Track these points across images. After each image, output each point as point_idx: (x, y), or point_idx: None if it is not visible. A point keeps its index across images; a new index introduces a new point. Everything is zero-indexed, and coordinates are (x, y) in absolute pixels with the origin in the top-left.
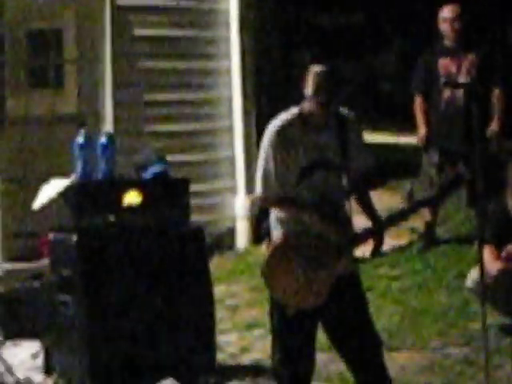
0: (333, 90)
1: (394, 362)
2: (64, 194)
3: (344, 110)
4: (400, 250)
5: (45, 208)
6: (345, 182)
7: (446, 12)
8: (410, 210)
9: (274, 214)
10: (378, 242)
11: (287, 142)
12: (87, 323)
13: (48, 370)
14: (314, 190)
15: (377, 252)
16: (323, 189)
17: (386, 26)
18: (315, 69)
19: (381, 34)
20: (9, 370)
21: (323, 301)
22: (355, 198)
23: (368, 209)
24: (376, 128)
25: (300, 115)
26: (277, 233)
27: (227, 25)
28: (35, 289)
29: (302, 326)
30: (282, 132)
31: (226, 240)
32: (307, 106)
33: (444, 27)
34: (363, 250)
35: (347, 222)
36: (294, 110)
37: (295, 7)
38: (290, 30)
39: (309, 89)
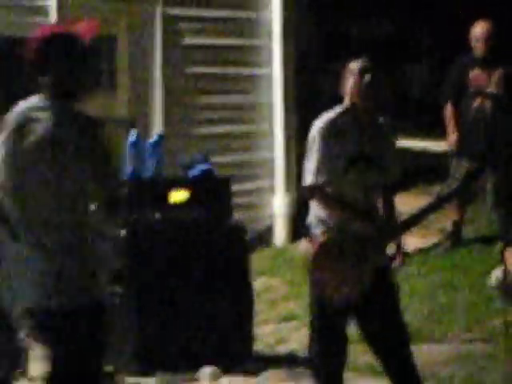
0: (377, 89)
1: (422, 353)
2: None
3: (382, 119)
4: (428, 249)
5: None
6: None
7: (479, 29)
8: (434, 207)
9: (314, 213)
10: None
11: (336, 135)
12: (136, 313)
13: None
14: (356, 183)
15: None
16: (364, 183)
17: (416, 37)
18: (355, 66)
19: (412, 45)
20: None
21: (364, 293)
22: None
23: (390, 210)
24: (406, 133)
25: (346, 112)
26: (318, 231)
27: (269, 34)
28: None
29: (340, 319)
30: (331, 126)
31: (264, 237)
32: (351, 100)
33: (476, 42)
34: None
35: (381, 219)
36: (339, 109)
37: (333, 19)
38: (327, 39)
39: (350, 87)
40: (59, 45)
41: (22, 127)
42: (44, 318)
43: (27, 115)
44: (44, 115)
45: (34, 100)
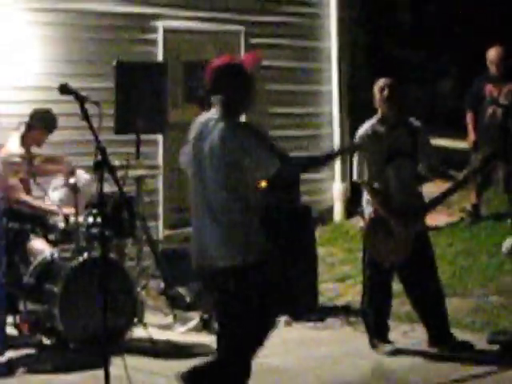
0: (398, 96)
1: (448, 305)
2: None
3: (414, 120)
4: (453, 224)
5: None
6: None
7: (492, 53)
8: (454, 188)
9: (365, 197)
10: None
11: (374, 139)
12: None
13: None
14: (395, 175)
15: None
16: (401, 173)
17: (444, 58)
18: (384, 82)
19: (440, 65)
20: None
21: (409, 253)
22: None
23: (446, 177)
24: (435, 134)
25: (379, 120)
26: (368, 210)
27: (329, 58)
28: (185, 248)
29: (387, 278)
30: (369, 132)
31: (326, 215)
32: (381, 110)
33: (490, 63)
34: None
35: (419, 196)
36: (374, 118)
37: (379, 45)
38: (375, 61)
39: (380, 98)
40: (229, 73)
41: (201, 133)
42: (219, 273)
43: (204, 124)
44: (217, 126)
45: (210, 113)
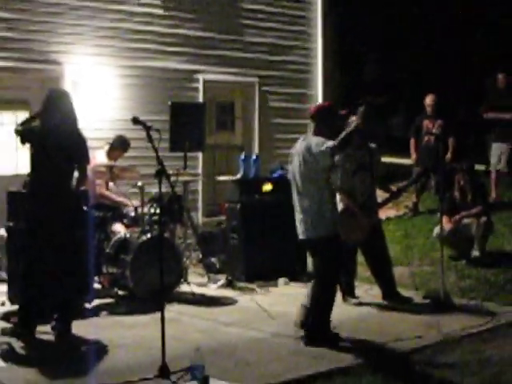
0: (369, 123)
1: (395, 272)
2: (234, 183)
3: (371, 144)
4: (399, 216)
5: (225, 182)
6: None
7: (428, 99)
8: (399, 191)
9: (338, 198)
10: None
11: (345, 158)
12: (243, 246)
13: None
14: (360, 183)
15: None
16: (363, 182)
17: (395, 101)
18: (360, 109)
19: (395, 107)
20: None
21: (367, 236)
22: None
23: (387, 190)
24: (389, 154)
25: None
26: (340, 206)
27: (316, 100)
28: (220, 231)
29: (353, 251)
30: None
31: None
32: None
33: (427, 106)
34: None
35: (375, 198)
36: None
37: (349, 91)
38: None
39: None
40: (325, 111)
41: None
42: (307, 243)
43: (300, 143)
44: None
45: (308, 135)
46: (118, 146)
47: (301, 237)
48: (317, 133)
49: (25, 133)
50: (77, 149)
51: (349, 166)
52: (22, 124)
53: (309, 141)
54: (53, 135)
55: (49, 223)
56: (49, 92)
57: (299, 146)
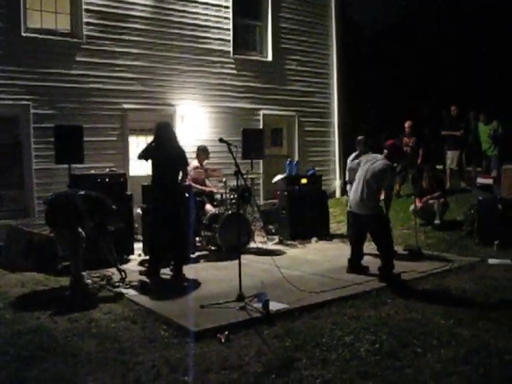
0: (366, 146)
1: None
2: (283, 179)
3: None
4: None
5: (276, 182)
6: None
7: (406, 124)
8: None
9: (349, 187)
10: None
11: (355, 163)
12: (289, 216)
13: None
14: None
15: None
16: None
17: (380, 122)
18: (359, 139)
19: (379, 125)
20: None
21: None
22: None
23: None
24: None
25: (358, 154)
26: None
27: (334, 126)
28: (274, 209)
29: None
30: (353, 159)
31: (332, 194)
32: (359, 149)
33: (406, 128)
34: None
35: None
36: (355, 152)
37: (355, 121)
38: (352, 128)
39: (357, 144)
40: (395, 146)
41: (371, 160)
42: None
43: (373, 157)
44: (382, 161)
45: (374, 155)
46: (201, 151)
47: (363, 213)
48: (387, 158)
49: (144, 154)
50: (179, 158)
51: (355, 170)
52: (142, 151)
53: (381, 162)
54: (163, 150)
55: (165, 205)
56: (156, 124)
57: (371, 159)
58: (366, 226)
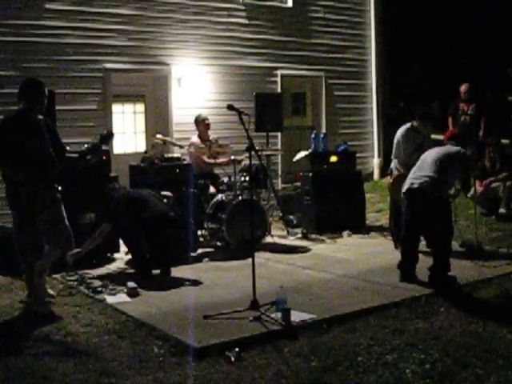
0: (426, 121)
1: None
2: (307, 156)
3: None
4: None
5: (298, 160)
6: None
7: (463, 87)
8: None
9: (394, 165)
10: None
11: (408, 137)
12: (314, 204)
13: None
14: (417, 158)
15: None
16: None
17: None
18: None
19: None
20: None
21: None
22: None
23: None
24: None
25: (412, 127)
26: (395, 172)
27: (371, 89)
28: (296, 194)
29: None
30: (406, 132)
31: (369, 176)
32: (415, 125)
33: (461, 93)
34: None
35: None
36: (408, 125)
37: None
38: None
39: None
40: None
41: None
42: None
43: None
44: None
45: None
46: (198, 123)
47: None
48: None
49: None
50: None
51: (408, 147)
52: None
53: (451, 148)
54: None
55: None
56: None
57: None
58: (427, 212)
